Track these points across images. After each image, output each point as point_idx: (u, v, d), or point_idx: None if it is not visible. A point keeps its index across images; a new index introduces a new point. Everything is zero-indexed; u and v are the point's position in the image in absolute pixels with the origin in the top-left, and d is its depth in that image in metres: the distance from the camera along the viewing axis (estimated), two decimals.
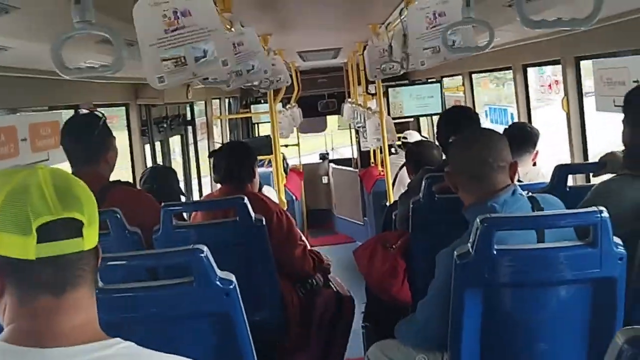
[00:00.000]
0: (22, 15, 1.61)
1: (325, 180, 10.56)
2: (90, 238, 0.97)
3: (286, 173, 8.00)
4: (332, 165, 10.41)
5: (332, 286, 3.26)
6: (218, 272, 1.74)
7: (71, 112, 3.34)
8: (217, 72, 1.87)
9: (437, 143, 3.06)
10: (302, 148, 10.13)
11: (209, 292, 1.72)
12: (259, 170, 3.10)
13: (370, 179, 7.89)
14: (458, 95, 6.12)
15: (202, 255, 1.71)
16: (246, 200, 2.54)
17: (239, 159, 2.95)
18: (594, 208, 1.71)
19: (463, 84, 5.69)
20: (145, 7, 1.78)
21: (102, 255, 1.03)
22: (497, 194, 1.97)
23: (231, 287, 1.75)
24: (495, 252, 1.74)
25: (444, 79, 6.43)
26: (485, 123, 5.66)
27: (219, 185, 3.11)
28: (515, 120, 4.46)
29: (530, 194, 2.03)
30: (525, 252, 1.78)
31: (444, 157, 3.06)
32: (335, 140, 12.95)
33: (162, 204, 2.51)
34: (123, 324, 1.75)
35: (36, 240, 0.91)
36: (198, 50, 1.82)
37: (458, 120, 2.87)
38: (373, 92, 7.13)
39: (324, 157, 11.03)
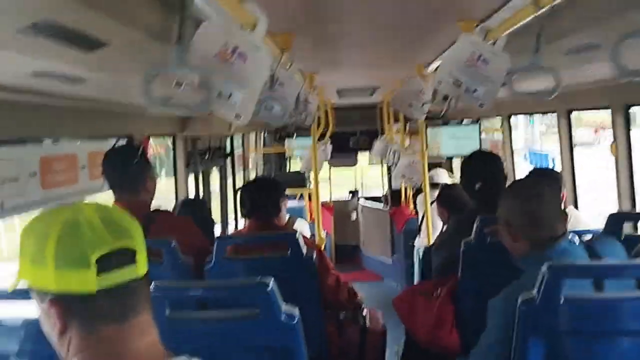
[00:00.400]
0: (107, 50, 1.68)
1: (354, 216, 10.55)
2: (142, 264, 1.01)
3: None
4: (361, 202, 10.41)
5: (362, 321, 3.19)
6: (283, 306, 1.75)
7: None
8: (227, 116, 1.86)
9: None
10: (332, 185, 10.18)
11: (274, 325, 1.73)
12: (290, 203, 3.13)
13: (402, 218, 7.87)
14: (494, 139, 6.12)
15: (268, 288, 1.73)
16: (299, 235, 2.56)
17: (265, 192, 2.97)
18: None
19: (502, 126, 5.70)
20: (214, 28, 1.79)
21: (169, 284, 1.08)
22: (556, 241, 1.95)
23: (295, 322, 1.76)
24: (562, 300, 1.73)
25: (483, 120, 6.43)
26: (526, 166, 5.64)
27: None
28: (557, 164, 4.44)
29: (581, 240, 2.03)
30: (592, 302, 1.77)
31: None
32: (365, 177, 12.97)
33: (217, 236, 2.54)
34: (186, 352, 1.77)
35: (96, 272, 0.95)
36: (227, 89, 1.80)
37: (482, 166, 2.90)
38: (410, 130, 7.17)
39: (353, 193, 11.04)
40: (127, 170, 2.61)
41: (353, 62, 4.35)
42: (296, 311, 1.77)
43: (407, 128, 7.34)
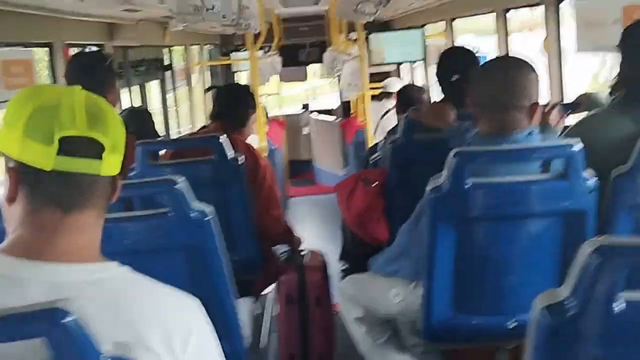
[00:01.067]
0: None
1: (306, 131, 10.52)
2: (109, 165, 0.98)
3: (267, 122, 7.95)
4: (313, 115, 10.35)
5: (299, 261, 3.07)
6: (194, 203, 1.74)
7: (44, 50, 3.26)
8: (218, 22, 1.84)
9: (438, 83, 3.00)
10: (284, 100, 10.06)
11: (184, 223, 1.72)
12: None
13: (351, 129, 7.87)
14: (439, 43, 6.07)
15: (177, 185, 1.71)
16: (223, 138, 2.52)
17: (233, 100, 2.89)
18: (566, 141, 1.73)
19: (445, 31, 5.64)
20: None
21: None
22: (509, 133, 1.84)
23: (207, 219, 1.75)
24: (467, 186, 1.76)
25: (426, 26, 6.35)
26: None
27: None
28: None
29: None
30: (497, 186, 1.80)
31: (432, 100, 3.04)
32: (319, 90, 12.86)
33: (137, 142, 2.48)
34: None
35: (56, 151, 0.94)
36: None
37: (461, 59, 2.84)
38: (354, 38, 7.05)
39: (305, 107, 10.95)
40: (92, 78, 2.45)
41: None
42: (209, 209, 1.76)
43: (349, 36, 7.21)
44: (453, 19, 5.44)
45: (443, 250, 1.84)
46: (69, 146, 0.94)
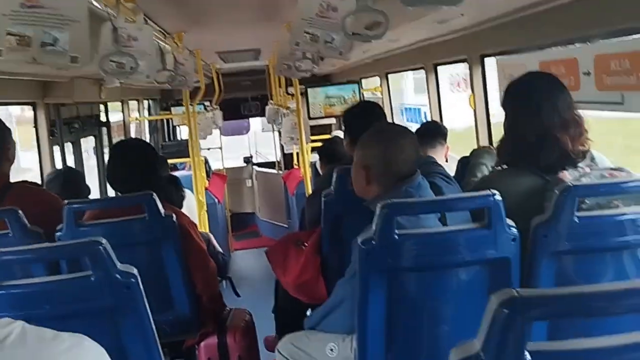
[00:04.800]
0: None
1: (249, 183, 10.51)
2: None
3: (209, 176, 7.90)
4: (255, 168, 10.37)
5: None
6: (118, 264, 1.69)
7: None
8: (62, 65, 1.75)
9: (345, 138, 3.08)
10: (226, 152, 10.04)
11: (108, 285, 1.67)
12: (180, 173, 2.91)
13: (293, 181, 7.91)
14: (377, 97, 6.24)
15: (101, 247, 1.66)
16: (155, 195, 2.48)
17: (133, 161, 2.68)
18: (488, 191, 1.79)
19: (380, 85, 5.81)
20: None
21: None
22: (409, 179, 2.01)
23: (132, 280, 1.71)
24: (397, 237, 1.78)
25: (362, 80, 6.54)
26: (401, 121, 5.81)
27: None
28: (428, 118, 4.61)
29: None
30: (425, 237, 1.83)
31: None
32: (260, 144, 12.91)
33: (65, 202, 2.42)
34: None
35: None
36: (48, 36, 1.71)
37: (369, 115, 2.92)
38: (292, 92, 7.18)
39: (248, 160, 10.97)
40: None
41: (222, 22, 4.25)
42: (133, 269, 1.71)
43: (288, 90, 7.35)
44: (387, 74, 5.63)
45: (375, 301, 1.84)
46: None
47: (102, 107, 5.53)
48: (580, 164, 1.98)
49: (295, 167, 8.48)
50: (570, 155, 1.98)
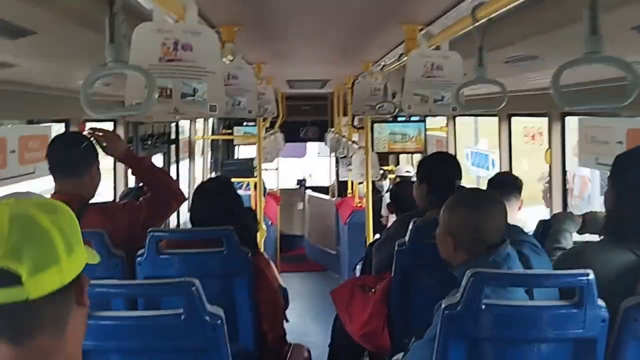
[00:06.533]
0: (36, 38, 1.62)
1: (300, 206, 10.57)
2: (39, 285, 0.91)
3: (264, 196, 8.01)
4: (308, 192, 10.43)
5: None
6: (208, 306, 1.74)
7: (61, 126, 3.32)
8: (203, 114, 1.81)
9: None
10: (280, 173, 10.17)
11: (197, 325, 1.71)
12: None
13: (347, 210, 7.92)
14: (440, 135, 6.22)
15: (194, 288, 1.71)
16: (234, 232, 2.53)
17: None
18: (581, 270, 1.76)
19: (447, 125, 5.79)
20: (147, 32, 1.76)
21: (91, 282, 1.03)
22: (496, 249, 1.94)
23: (219, 322, 1.75)
24: (483, 307, 1.77)
25: (427, 118, 6.54)
26: (467, 165, 5.77)
27: None
28: (497, 165, 4.56)
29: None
30: (512, 309, 1.81)
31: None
32: (314, 168, 13.00)
33: (149, 230, 2.49)
34: (107, 352, 1.74)
35: None
36: (188, 87, 1.77)
37: (450, 171, 2.91)
38: (358, 125, 7.22)
39: (301, 183, 11.06)
40: (71, 156, 2.49)
41: (300, 55, 4.34)
42: (220, 311, 1.75)
43: (354, 122, 7.40)
44: (455, 116, 5.60)
45: None
46: None
47: (173, 125, 5.68)
48: None
49: (350, 195, 8.50)
50: None
